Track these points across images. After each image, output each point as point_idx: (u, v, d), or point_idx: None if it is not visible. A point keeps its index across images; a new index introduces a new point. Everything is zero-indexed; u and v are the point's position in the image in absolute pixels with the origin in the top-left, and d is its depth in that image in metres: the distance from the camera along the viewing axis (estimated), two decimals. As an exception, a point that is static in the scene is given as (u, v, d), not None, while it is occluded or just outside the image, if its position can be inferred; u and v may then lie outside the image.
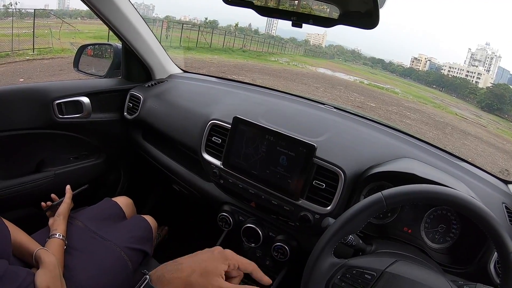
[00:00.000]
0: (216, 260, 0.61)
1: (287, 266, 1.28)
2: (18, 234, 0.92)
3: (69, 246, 1.06)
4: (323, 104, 1.53)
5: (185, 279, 0.57)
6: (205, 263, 0.60)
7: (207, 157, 1.23)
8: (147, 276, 0.57)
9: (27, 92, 1.33)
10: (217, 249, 0.63)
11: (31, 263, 0.89)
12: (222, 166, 1.18)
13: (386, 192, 0.73)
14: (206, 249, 0.64)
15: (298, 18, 0.79)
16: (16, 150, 1.35)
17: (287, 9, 0.81)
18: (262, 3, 0.82)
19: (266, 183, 1.10)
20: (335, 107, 1.49)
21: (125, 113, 1.63)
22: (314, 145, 1.00)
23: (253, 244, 1.23)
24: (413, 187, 0.72)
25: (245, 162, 1.12)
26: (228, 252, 0.63)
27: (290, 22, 0.80)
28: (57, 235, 1.03)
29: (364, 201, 0.74)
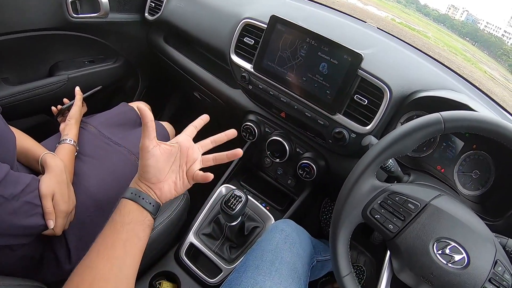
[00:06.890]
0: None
1: (310, 187, 1.23)
2: (24, 140, 0.86)
3: (80, 152, 0.99)
4: (365, 21, 1.37)
5: None
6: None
7: (235, 59, 1.10)
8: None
9: None
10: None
11: (38, 170, 0.83)
12: (252, 70, 1.06)
13: (446, 114, 0.61)
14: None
15: None
16: (27, 53, 1.24)
17: None
18: None
19: (302, 91, 0.98)
20: (377, 27, 1.33)
21: (146, 14, 1.48)
22: (361, 54, 0.87)
23: (277, 160, 1.16)
24: (478, 115, 0.60)
25: (279, 67, 1.00)
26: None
27: None
28: (68, 140, 0.96)
29: (420, 120, 0.63)
